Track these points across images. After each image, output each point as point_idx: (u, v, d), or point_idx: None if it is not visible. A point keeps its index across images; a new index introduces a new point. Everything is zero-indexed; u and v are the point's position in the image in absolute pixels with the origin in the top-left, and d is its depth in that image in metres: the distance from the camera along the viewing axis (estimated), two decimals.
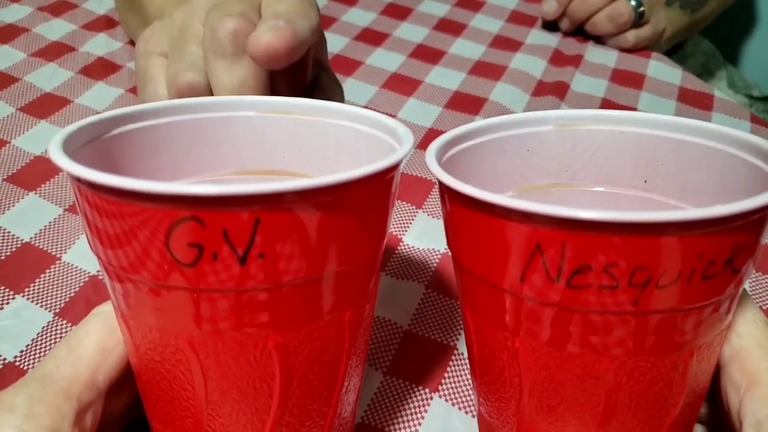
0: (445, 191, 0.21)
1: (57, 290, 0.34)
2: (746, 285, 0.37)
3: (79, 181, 0.18)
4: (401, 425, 0.29)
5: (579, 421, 0.20)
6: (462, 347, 0.32)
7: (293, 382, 0.20)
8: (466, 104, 0.53)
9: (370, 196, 0.19)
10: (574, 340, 0.19)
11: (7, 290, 0.34)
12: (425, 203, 0.42)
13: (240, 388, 0.19)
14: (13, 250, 0.36)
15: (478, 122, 0.24)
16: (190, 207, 0.16)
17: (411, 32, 0.62)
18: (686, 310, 0.18)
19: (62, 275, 0.35)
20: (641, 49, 0.64)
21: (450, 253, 0.23)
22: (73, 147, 0.19)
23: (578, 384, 0.20)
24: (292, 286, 0.18)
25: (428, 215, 0.41)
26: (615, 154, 0.25)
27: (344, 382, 0.22)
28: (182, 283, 0.17)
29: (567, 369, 0.19)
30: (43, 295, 0.34)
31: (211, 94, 0.29)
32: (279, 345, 0.19)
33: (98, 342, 0.21)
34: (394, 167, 0.20)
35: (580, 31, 0.65)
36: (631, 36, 0.63)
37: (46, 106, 0.48)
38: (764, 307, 0.36)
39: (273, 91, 0.30)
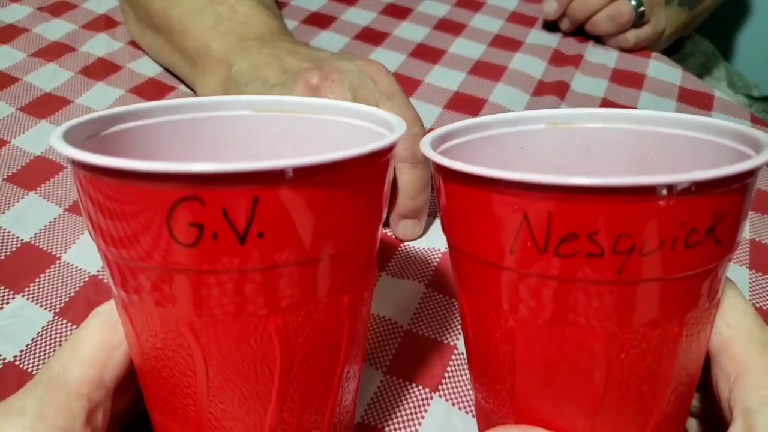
0: (438, 173, 0.22)
1: (57, 290, 0.34)
2: (746, 285, 0.37)
3: (79, 166, 0.18)
4: (401, 425, 0.29)
5: (573, 399, 0.21)
6: (462, 347, 0.32)
7: (294, 366, 0.20)
8: (466, 105, 0.53)
9: (367, 178, 0.20)
10: (563, 312, 0.19)
11: (7, 290, 0.34)
12: None
13: (241, 372, 0.19)
14: (13, 250, 0.36)
15: (472, 119, 0.24)
16: (190, 186, 0.17)
17: (411, 32, 0.62)
18: (672, 280, 0.19)
19: (62, 275, 0.35)
20: (641, 49, 0.64)
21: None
22: (72, 142, 0.19)
23: (570, 359, 0.20)
24: (290, 267, 0.18)
25: (428, 215, 0.41)
26: (607, 151, 0.25)
27: (344, 368, 0.22)
28: (183, 265, 0.18)
29: (558, 344, 0.20)
30: (43, 295, 0.34)
31: None
32: (279, 327, 0.19)
33: (102, 341, 0.21)
34: (389, 149, 0.20)
35: (580, 31, 0.65)
36: (632, 36, 0.63)
37: (46, 106, 0.48)
38: (764, 308, 0.36)
39: None
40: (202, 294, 0.18)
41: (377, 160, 0.20)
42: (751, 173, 0.19)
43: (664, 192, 0.17)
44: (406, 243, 0.39)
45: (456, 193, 0.21)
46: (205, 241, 0.17)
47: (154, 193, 0.17)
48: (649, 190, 0.17)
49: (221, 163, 0.16)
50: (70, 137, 0.19)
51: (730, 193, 0.18)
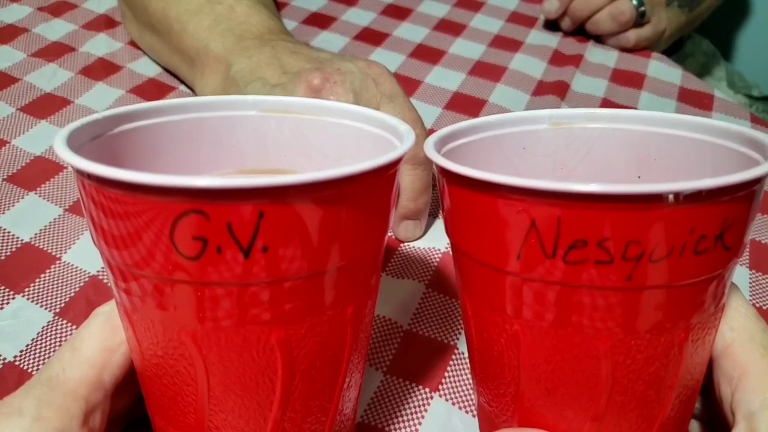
0: (443, 176, 0.21)
1: (57, 290, 0.34)
2: (746, 285, 0.37)
3: (83, 175, 0.18)
4: (401, 425, 0.29)
5: (578, 403, 0.20)
6: (462, 347, 0.32)
7: (295, 377, 0.20)
8: (466, 105, 0.53)
9: (373, 191, 0.19)
10: (570, 317, 0.19)
11: (7, 290, 0.34)
12: None
13: (242, 382, 0.19)
14: (13, 250, 0.36)
15: (475, 120, 0.24)
16: (195, 200, 0.16)
17: (411, 32, 0.62)
18: (680, 286, 0.19)
19: (62, 275, 0.35)
20: (641, 49, 0.64)
21: (451, 252, 0.23)
22: (77, 144, 0.19)
23: (576, 364, 0.20)
24: (294, 280, 0.18)
25: (429, 214, 0.41)
26: (609, 151, 0.25)
27: (346, 378, 0.22)
28: (186, 277, 0.18)
29: (564, 348, 0.20)
30: (43, 295, 0.34)
31: None
32: (281, 339, 0.19)
33: (102, 342, 0.21)
34: (396, 162, 0.20)
35: (581, 31, 0.65)
36: (632, 35, 0.63)
37: (46, 106, 0.48)
38: (764, 308, 0.36)
39: None
40: (204, 305, 0.18)
41: (385, 173, 0.20)
42: (760, 179, 0.18)
43: (674, 199, 0.17)
44: (406, 243, 0.39)
45: (461, 198, 0.20)
46: (208, 255, 0.17)
47: (157, 206, 0.17)
48: (659, 198, 0.17)
49: (227, 178, 0.16)
50: (73, 140, 0.19)
51: (739, 200, 0.18)
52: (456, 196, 0.21)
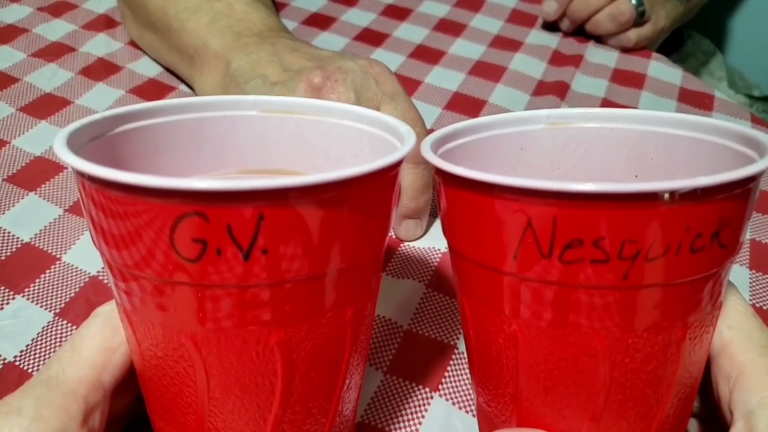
0: (439, 177, 0.21)
1: (57, 290, 0.34)
2: (746, 285, 0.37)
3: (83, 176, 0.18)
4: (401, 424, 0.29)
5: (576, 403, 0.21)
6: (462, 346, 0.32)
7: (295, 379, 0.20)
8: (466, 105, 0.53)
9: (373, 193, 0.19)
10: (567, 316, 0.19)
11: (7, 290, 0.34)
12: None
13: (242, 384, 0.19)
14: (13, 250, 0.36)
15: (472, 120, 0.24)
16: (194, 202, 0.16)
17: (411, 32, 0.62)
18: (676, 285, 0.19)
19: (62, 275, 0.35)
20: (642, 48, 0.64)
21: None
22: (77, 144, 0.19)
23: (573, 363, 0.20)
24: (294, 282, 0.18)
25: (429, 214, 0.41)
26: (606, 151, 0.25)
27: (345, 379, 0.22)
28: (185, 278, 0.18)
29: (562, 348, 0.20)
30: (43, 295, 0.34)
31: None
32: (281, 341, 0.19)
33: (102, 342, 0.21)
34: (396, 164, 0.20)
35: (580, 31, 0.65)
36: (633, 35, 0.63)
37: (46, 106, 0.48)
38: (764, 308, 0.36)
39: None
40: (204, 307, 0.18)
41: (386, 175, 0.20)
42: (755, 177, 0.18)
43: (670, 198, 0.17)
44: (406, 243, 0.39)
45: (458, 198, 0.20)
46: (208, 257, 0.17)
47: (157, 207, 0.17)
48: (654, 196, 0.17)
49: (226, 180, 0.16)
50: (73, 140, 0.19)
51: (734, 198, 0.18)
52: (452, 196, 0.21)
